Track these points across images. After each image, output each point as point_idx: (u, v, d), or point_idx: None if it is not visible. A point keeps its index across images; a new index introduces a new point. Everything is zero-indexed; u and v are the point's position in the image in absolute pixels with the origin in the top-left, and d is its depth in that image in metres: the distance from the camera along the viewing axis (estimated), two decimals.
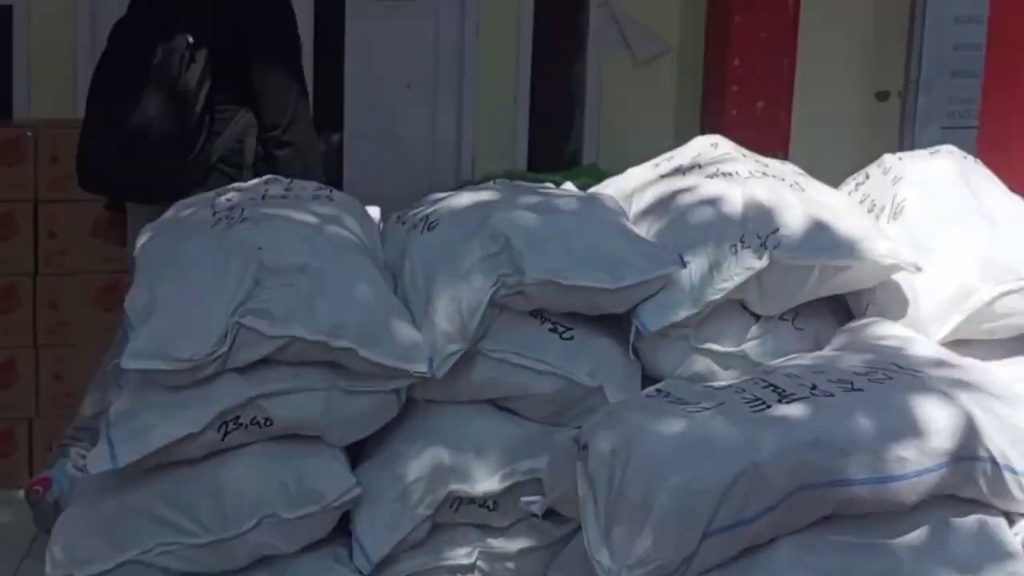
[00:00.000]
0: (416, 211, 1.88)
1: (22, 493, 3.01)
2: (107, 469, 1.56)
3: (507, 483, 1.64)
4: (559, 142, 4.67)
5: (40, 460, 3.12)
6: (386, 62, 4.32)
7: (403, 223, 1.88)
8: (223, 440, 1.61)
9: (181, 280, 1.69)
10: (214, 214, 1.83)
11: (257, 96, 2.54)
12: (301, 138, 2.57)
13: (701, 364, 1.71)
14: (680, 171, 1.94)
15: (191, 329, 1.59)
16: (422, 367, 1.60)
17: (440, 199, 1.89)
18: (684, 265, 1.69)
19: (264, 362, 1.62)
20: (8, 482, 3.07)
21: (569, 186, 2.11)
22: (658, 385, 1.58)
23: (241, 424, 1.61)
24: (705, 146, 2.02)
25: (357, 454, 1.73)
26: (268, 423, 1.62)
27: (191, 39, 2.42)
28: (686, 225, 1.77)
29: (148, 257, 1.83)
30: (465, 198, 1.85)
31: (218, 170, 2.47)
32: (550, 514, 1.60)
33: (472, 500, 1.64)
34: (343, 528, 1.64)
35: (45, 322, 3.16)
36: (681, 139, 2.16)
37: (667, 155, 2.04)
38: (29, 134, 3.17)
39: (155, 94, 2.40)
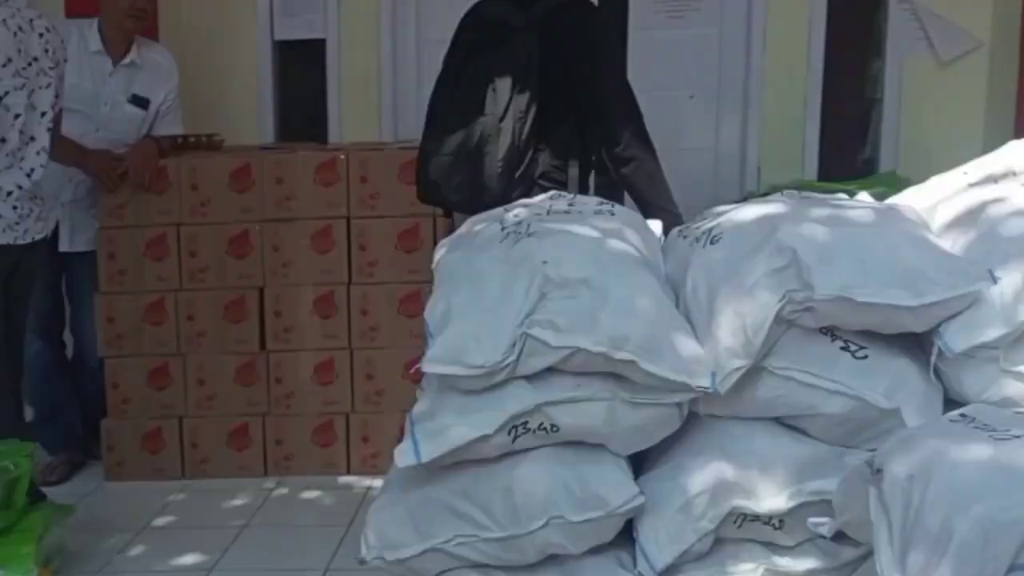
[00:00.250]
0: (698, 224, 1.87)
1: (341, 479, 3.36)
2: (411, 463, 1.69)
3: (794, 502, 1.60)
4: (853, 149, 4.43)
5: (355, 448, 3.44)
6: (668, 72, 4.30)
7: (685, 237, 1.89)
8: (513, 443, 1.69)
9: (473, 291, 1.79)
10: (502, 229, 1.92)
11: (592, 113, 2.62)
12: (641, 152, 2.63)
13: (1012, 388, 1.57)
14: (991, 179, 1.80)
15: (483, 338, 1.69)
16: (704, 382, 1.60)
17: (723, 212, 1.87)
18: (995, 281, 1.56)
19: (550, 371, 1.69)
20: (330, 470, 3.42)
21: (864, 196, 2.01)
22: (962, 409, 1.48)
23: (529, 429, 1.69)
24: (1020, 152, 1.86)
25: (640, 464, 1.76)
26: (554, 429, 1.69)
27: (521, 61, 2.54)
28: (998, 238, 1.64)
29: (444, 269, 1.96)
30: (750, 210, 1.82)
31: (539, 185, 2.57)
32: (840, 536, 1.55)
33: (757, 517, 1.62)
34: (627, 533, 1.67)
35: (358, 327, 3.44)
36: (991, 145, 2.00)
37: (976, 162, 1.90)
38: (342, 157, 3.47)
39: (488, 117, 2.56)
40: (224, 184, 3.44)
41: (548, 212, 1.97)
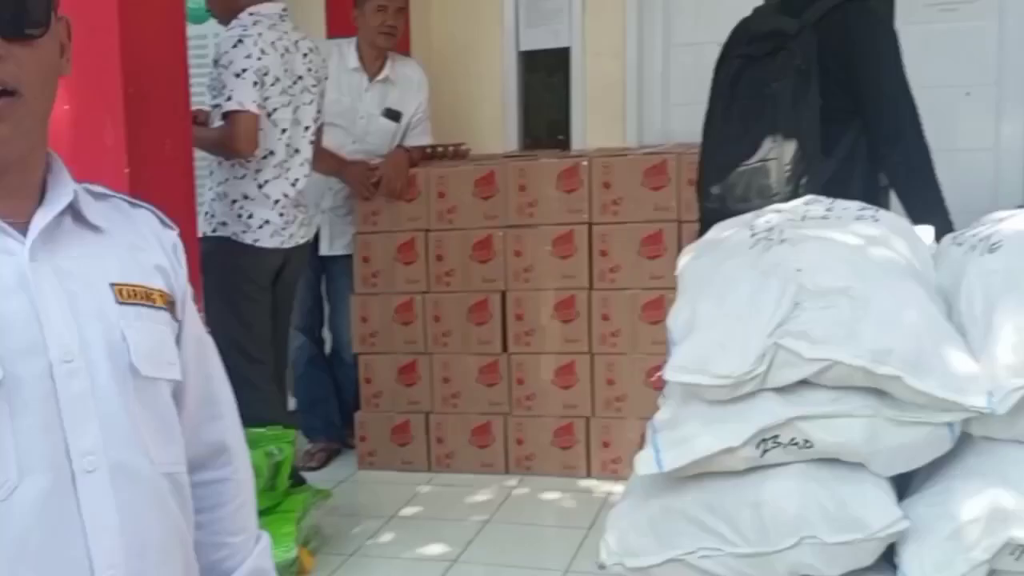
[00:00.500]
0: (975, 231, 1.73)
1: (582, 482, 3.39)
2: (652, 472, 1.67)
3: None
4: None
5: (595, 452, 3.46)
6: (941, 67, 4.01)
7: (959, 244, 1.74)
8: (762, 456, 1.63)
9: (720, 299, 1.74)
10: (752, 235, 1.86)
11: (869, 115, 2.53)
12: (910, 155, 2.50)
13: None
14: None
15: (730, 347, 1.64)
16: (979, 401, 1.47)
17: (1004, 218, 1.71)
18: None
19: (803, 383, 1.62)
20: (570, 472, 3.47)
21: None
22: None
23: (780, 443, 1.62)
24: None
25: (903, 485, 1.65)
26: (808, 445, 1.61)
27: (800, 67, 2.48)
28: None
29: (689, 276, 1.92)
30: None
31: (826, 192, 2.49)
32: None
33: None
34: (886, 559, 1.57)
35: (599, 332, 3.46)
36: None
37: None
38: (584, 163, 3.49)
39: (770, 125, 2.52)
40: (469, 191, 3.57)
41: (803, 218, 1.88)
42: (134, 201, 1.12)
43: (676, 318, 1.80)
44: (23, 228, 0.96)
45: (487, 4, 4.64)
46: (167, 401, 1.03)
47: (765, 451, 1.62)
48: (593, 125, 4.57)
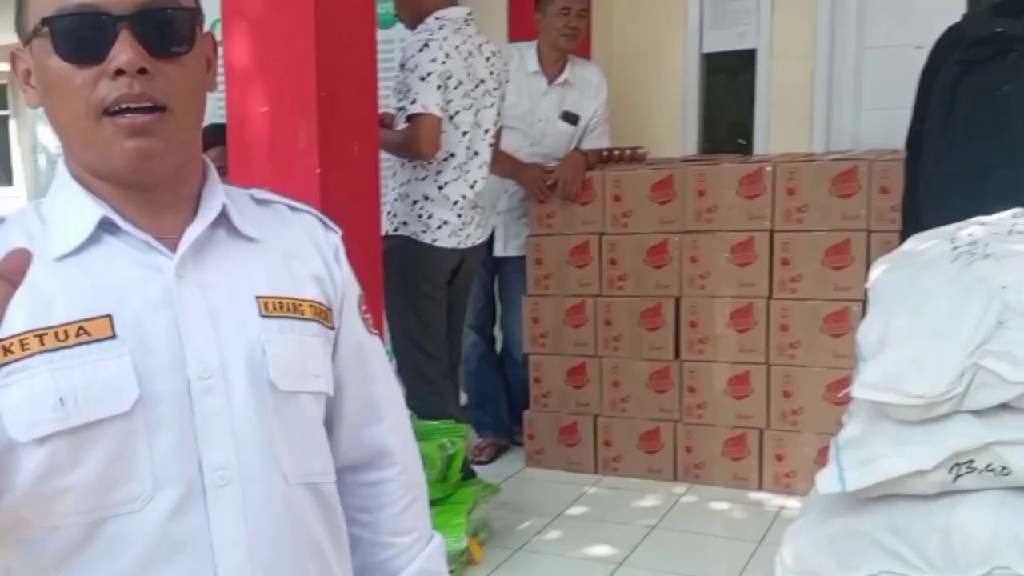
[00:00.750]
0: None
1: (752, 494, 3.30)
2: (835, 490, 1.61)
3: None
4: None
5: (768, 465, 3.37)
6: None
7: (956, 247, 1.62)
8: (954, 481, 1.54)
9: (915, 315, 1.66)
10: (953, 248, 1.77)
11: None
12: None
13: None
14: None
15: (925, 365, 1.56)
16: None
17: None
18: None
19: (1003, 407, 1.52)
20: (740, 483, 3.39)
21: None
22: None
23: (975, 468, 1.53)
24: None
25: None
26: (1005, 471, 1.51)
27: None
28: None
29: (883, 289, 1.84)
30: None
31: None
32: None
33: None
34: None
35: (777, 342, 3.35)
36: None
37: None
38: (768, 168, 3.39)
39: (1000, 134, 2.44)
40: (646, 196, 3.53)
41: (1010, 231, 1.77)
42: (296, 205, 1.13)
43: (867, 333, 1.73)
44: (175, 244, 0.98)
45: (672, 5, 4.59)
46: (311, 414, 1.04)
47: (958, 476, 1.54)
48: (777, 130, 4.45)
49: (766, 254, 3.36)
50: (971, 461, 1.52)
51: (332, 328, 1.08)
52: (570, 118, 3.83)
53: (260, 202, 1.10)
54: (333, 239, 1.13)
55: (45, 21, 0.94)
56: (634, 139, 4.14)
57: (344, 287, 1.11)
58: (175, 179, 1.00)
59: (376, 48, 2.72)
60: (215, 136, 3.60)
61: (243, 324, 0.99)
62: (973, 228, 1.84)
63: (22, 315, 0.91)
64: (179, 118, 0.96)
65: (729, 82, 4.70)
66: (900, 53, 4.16)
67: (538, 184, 3.64)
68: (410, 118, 3.03)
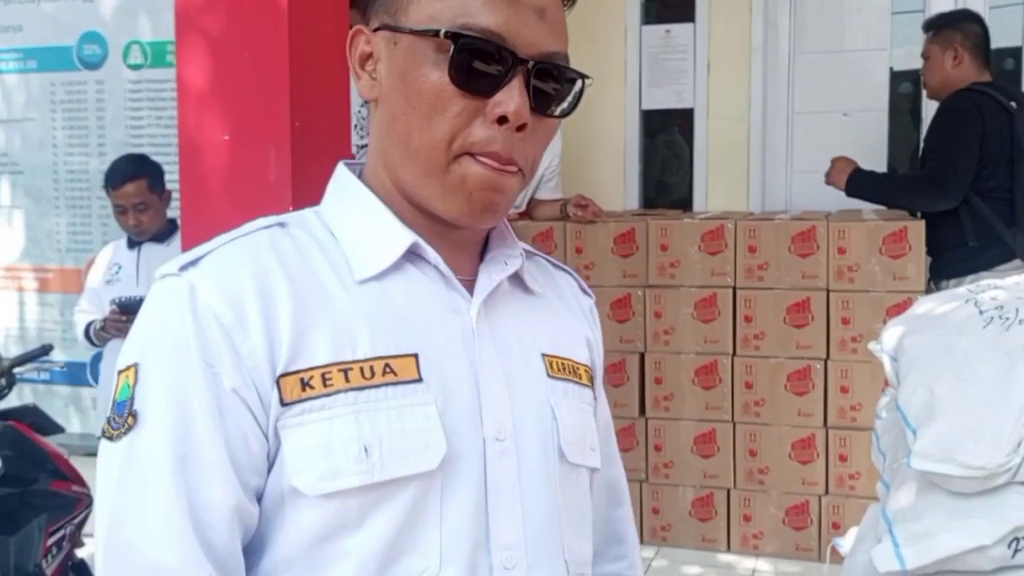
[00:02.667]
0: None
1: (721, 556, 3.25)
2: (894, 569, 1.56)
3: None
4: None
5: (735, 525, 3.34)
6: None
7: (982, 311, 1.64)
8: (1013, 557, 1.51)
9: (960, 381, 1.63)
10: (980, 312, 1.76)
11: None
12: None
13: None
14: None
15: (979, 435, 1.52)
16: None
17: None
18: None
19: None
20: (709, 545, 3.35)
21: None
22: None
23: None
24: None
25: None
26: None
27: None
28: None
29: (916, 352, 1.81)
30: None
31: None
32: None
33: None
34: None
35: (742, 400, 3.34)
36: None
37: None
38: (729, 225, 3.41)
39: None
40: (608, 248, 3.50)
41: None
42: (556, 262, 1.04)
43: (911, 399, 1.68)
44: (469, 285, 0.89)
45: (612, 63, 4.62)
46: (586, 492, 0.93)
47: (1017, 551, 1.50)
48: (715, 188, 4.50)
49: (729, 311, 3.37)
50: None
51: (596, 398, 0.99)
52: None
53: (526, 254, 0.99)
54: (588, 303, 1.04)
55: (450, 34, 0.82)
56: (577, 192, 4.12)
57: (601, 356, 1.03)
58: None
59: (349, 80, 2.60)
60: (133, 170, 3.36)
61: (533, 383, 0.89)
62: (995, 292, 1.84)
63: (325, 344, 0.79)
64: (525, 180, 0.89)
65: (669, 139, 4.75)
66: (825, 119, 4.30)
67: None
68: None
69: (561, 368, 0.92)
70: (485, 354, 0.86)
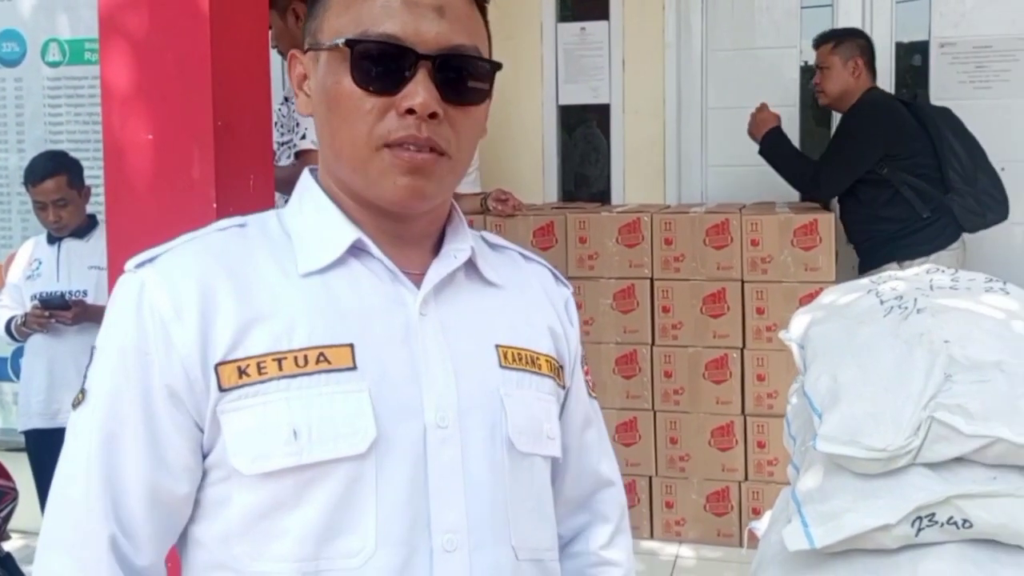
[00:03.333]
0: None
1: (644, 543, 3.32)
2: (803, 547, 1.62)
3: None
4: None
5: (658, 512, 3.42)
6: None
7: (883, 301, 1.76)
8: (916, 535, 1.58)
9: (863, 368, 1.70)
10: (881, 302, 1.83)
11: None
12: None
13: None
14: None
15: (882, 419, 1.59)
16: None
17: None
18: None
19: (959, 460, 1.58)
20: (632, 532, 3.35)
21: None
22: None
23: (937, 522, 1.56)
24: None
25: None
26: (967, 525, 1.55)
27: None
28: None
29: (820, 341, 1.88)
30: None
31: None
32: None
33: None
34: None
35: (661, 389, 3.42)
36: None
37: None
38: (646, 218, 3.48)
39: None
40: (528, 241, 3.54)
41: (931, 287, 1.86)
42: (527, 254, 1.08)
43: (816, 385, 1.75)
44: (418, 279, 0.94)
45: (529, 58, 4.66)
46: (542, 480, 0.97)
47: (920, 529, 1.57)
48: (632, 181, 4.58)
49: (648, 301, 3.43)
50: (932, 515, 1.55)
51: (564, 388, 1.02)
52: None
53: (494, 246, 1.05)
54: (564, 293, 1.07)
55: (348, 42, 0.90)
56: (499, 187, 4.14)
57: (577, 344, 1.06)
58: (428, 215, 0.97)
59: (270, 78, 2.58)
60: (52, 166, 3.33)
61: (482, 373, 0.93)
62: (895, 283, 1.92)
63: (264, 335, 0.85)
64: (454, 164, 0.94)
65: (587, 134, 4.81)
66: (737, 115, 4.42)
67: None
68: (298, 154, 2.90)
69: (517, 358, 0.95)
70: (430, 345, 0.91)
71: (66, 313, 3.18)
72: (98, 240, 3.39)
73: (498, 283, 1.00)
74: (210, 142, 2.18)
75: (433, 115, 0.90)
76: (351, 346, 0.87)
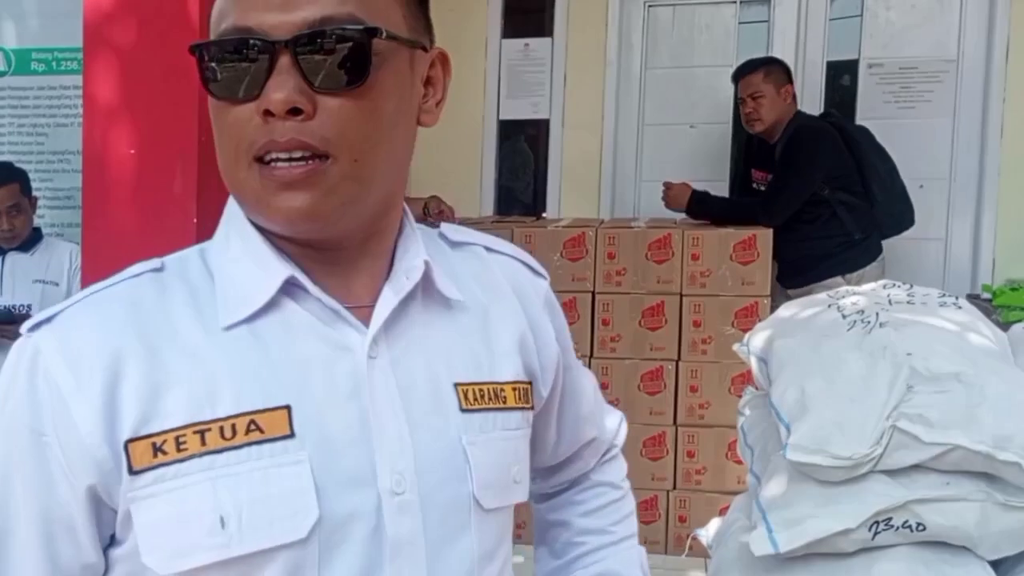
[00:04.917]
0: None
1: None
2: (768, 552, 1.66)
3: None
4: None
5: (674, 524, 3.40)
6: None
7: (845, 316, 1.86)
8: (873, 539, 1.64)
9: (829, 380, 1.76)
10: (844, 316, 1.90)
11: None
12: None
13: None
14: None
15: (847, 428, 1.65)
16: None
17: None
18: None
19: (915, 467, 1.65)
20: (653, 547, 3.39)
21: None
22: None
23: (892, 526, 1.63)
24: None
25: (1001, 569, 1.68)
26: (920, 528, 1.62)
27: None
28: None
29: (785, 354, 1.94)
30: None
31: None
32: None
33: None
34: None
35: None
36: None
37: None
38: (590, 232, 3.52)
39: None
40: None
41: (890, 302, 1.94)
42: (493, 246, 0.96)
43: (783, 397, 1.81)
44: (367, 314, 0.80)
45: (472, 74, 4.68)
46: (507, 531, 0.87)
47: (876, 533, 1.64)
48: (568, 195, 4.64)
49: (588, 314, 3.48)
50: (890, 519, 1.62)
51: (532, 409, 0.91)
52: None
53: (455, 245, 0.93)
54: (542, 286, 0.97)
55: (195, 48, 0.76)
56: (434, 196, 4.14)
57: (560, 338, 0.97)
58: (365, 235, 0.82)
59: None
60: (6, 174, 3.28)
61: (443, 421, 0.81)
62: (854, 298, 2.00)
63: (181, 402, 0.71)
64: (346, 167, 0.76)
65: (525, 149, 4.85)
66: (670, 131, 4.53)
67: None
68: None
69: (479, 397, 0.84)
70: (381, 395, 0.78)
71: (11, 327, 3.11)
72: (43, 253, 3.42)
73: (456, 300, 0.86)
74: (194, 156, 2.19)
75: (295, 111, 0.74)
76: (287, 408, 0.74)
